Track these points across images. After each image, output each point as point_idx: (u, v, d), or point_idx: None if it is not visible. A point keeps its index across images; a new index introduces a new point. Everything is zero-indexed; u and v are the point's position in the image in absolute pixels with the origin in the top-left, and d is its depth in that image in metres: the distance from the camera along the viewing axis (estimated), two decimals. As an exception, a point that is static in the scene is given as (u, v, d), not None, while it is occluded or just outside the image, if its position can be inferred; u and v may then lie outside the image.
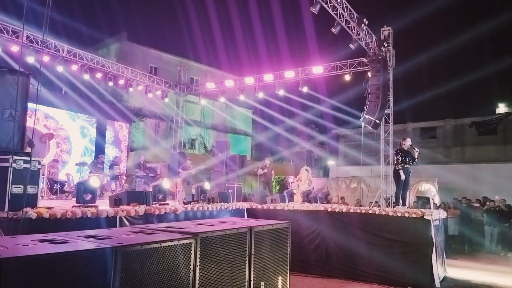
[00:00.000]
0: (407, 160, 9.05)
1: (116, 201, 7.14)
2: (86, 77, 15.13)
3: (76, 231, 3.63)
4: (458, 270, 9.43)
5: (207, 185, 9.87)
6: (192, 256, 3.62)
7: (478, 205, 14.18)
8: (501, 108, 28.75)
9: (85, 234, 3.47)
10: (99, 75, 15.70)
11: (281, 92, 16.29)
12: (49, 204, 6.38)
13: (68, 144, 14.81)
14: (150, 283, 3.13)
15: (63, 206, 6.43)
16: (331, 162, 28.74)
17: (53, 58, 13.84)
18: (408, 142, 9.23)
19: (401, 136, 9.80)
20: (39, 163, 6.21)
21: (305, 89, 15.69)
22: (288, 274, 5.28)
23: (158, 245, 3.28)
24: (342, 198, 18.42)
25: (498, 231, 12.74)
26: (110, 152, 16.32)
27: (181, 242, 3.54)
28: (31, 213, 5.28)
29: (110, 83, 16.43)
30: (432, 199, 17.10)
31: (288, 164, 28.22)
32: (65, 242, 2.96)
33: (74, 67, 14.70)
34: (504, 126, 22.37)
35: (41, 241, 2.97)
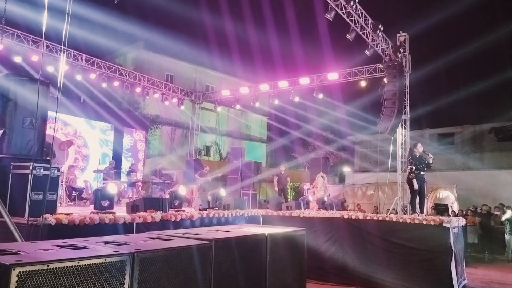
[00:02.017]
0: (420, 167, 8.89)
1: (133, 208, 7.21)
2: (104, 85, 15.38)
3: (94, 237, 3.67)
4: (478, 278, 9.24)
5: (222, 192, 9.90)
6: (209, 262, 3.63)
7: (498, 213, 13.90)
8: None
9: (103, 240, 3.50)
10: (116, 83, 15.94)
11: (296, 99, 16.29)
12: (68, 211, 6.48)
13: (86, 151, 15.04)
14: (168, 289, 3.14)
15: (82, 212, 6.51)
16: (347, 169, 28.54)
17: (72, 67, 14.12)
18: (420, 148, 9.07)
19: (418, 142, 9.65)
20: (58, 170, 6.32)
21: (320, 96, 15.68)
22: (304, 281, 5.24)
23: (175, 251, 3.30)
24: (358, 205, 18.26)
25: (520, 240, 12.44)
26: (127, 159, 16.51)
27: (198, 248, 3.55)
28: (51, 219, 5.36)
29: (127, 91, 16.70)
30: (451, 206, 16.89)
31: (303, 170, 28.12)
32: (84, 247, 3.00)
33: (92, 76, 14.96)
34: (524, 132, 21.90)
35: (61, 246, 3.02)
